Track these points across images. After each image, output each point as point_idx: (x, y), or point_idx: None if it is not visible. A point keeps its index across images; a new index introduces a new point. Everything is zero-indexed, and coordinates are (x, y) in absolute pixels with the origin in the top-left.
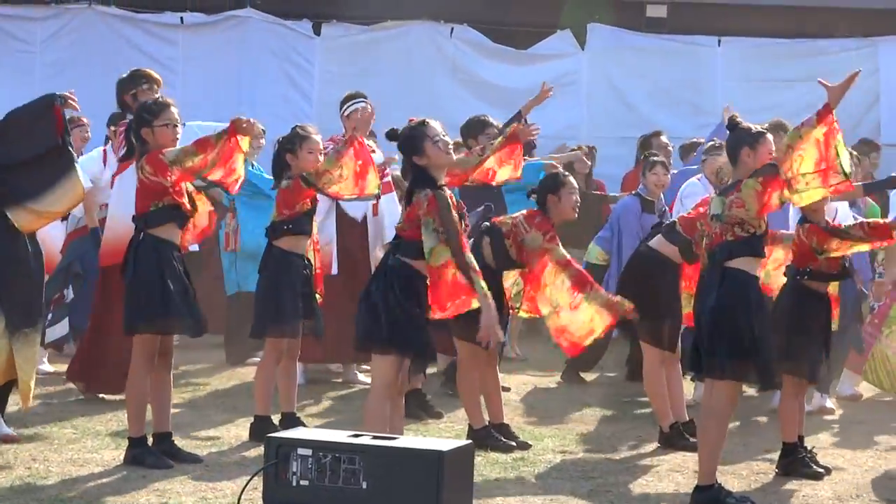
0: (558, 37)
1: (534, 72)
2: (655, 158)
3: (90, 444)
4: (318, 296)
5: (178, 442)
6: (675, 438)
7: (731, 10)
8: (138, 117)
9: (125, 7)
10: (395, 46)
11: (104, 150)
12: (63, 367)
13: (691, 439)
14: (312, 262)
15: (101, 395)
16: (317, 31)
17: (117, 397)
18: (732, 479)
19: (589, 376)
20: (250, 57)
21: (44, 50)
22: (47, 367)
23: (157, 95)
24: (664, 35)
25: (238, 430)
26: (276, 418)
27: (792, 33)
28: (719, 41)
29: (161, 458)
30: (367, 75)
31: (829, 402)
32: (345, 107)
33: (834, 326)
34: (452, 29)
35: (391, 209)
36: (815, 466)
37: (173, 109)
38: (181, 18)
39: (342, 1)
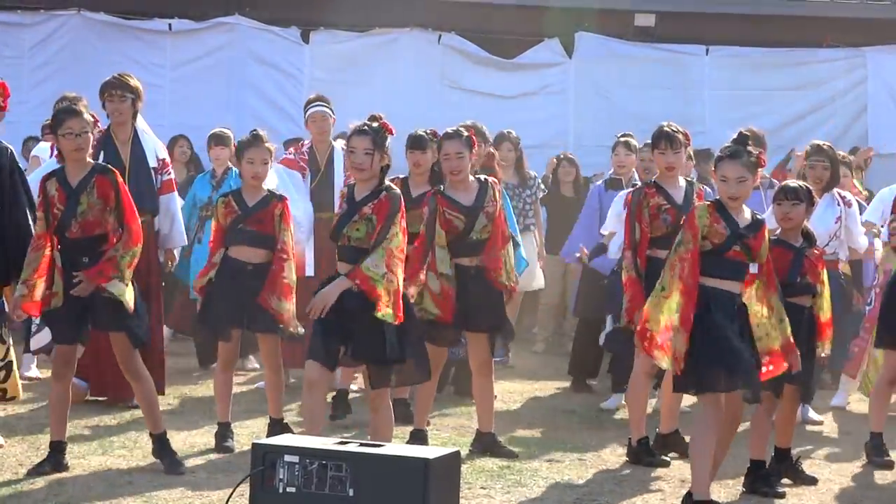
0: (546, 45)
1: (521, 80)
2: (620, 139)
3: (77, 450)
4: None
5: None
6: (642, 454)
7: (719, 19)
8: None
9: (114, 13)
10: (383, 54)
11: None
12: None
13: (663, 457)
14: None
15: (88, 398)
16: (305, 39)
17: (101, 401)
18: (720, 488)
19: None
20: (238, 64)
21: (32, 56)
22: (35, 372)
23: (122, 103)
24: (652, 44)
25: None
26: (259, 423)
27: (780, 43)
28: (707, 50)
29: (57, 462)
30: (355, 83)
31: (813, 413)
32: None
33: (826, 350)
34: (440, 36)
35: None
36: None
37: (75, 120)
38: (169, 25)
39: (331, 8)
